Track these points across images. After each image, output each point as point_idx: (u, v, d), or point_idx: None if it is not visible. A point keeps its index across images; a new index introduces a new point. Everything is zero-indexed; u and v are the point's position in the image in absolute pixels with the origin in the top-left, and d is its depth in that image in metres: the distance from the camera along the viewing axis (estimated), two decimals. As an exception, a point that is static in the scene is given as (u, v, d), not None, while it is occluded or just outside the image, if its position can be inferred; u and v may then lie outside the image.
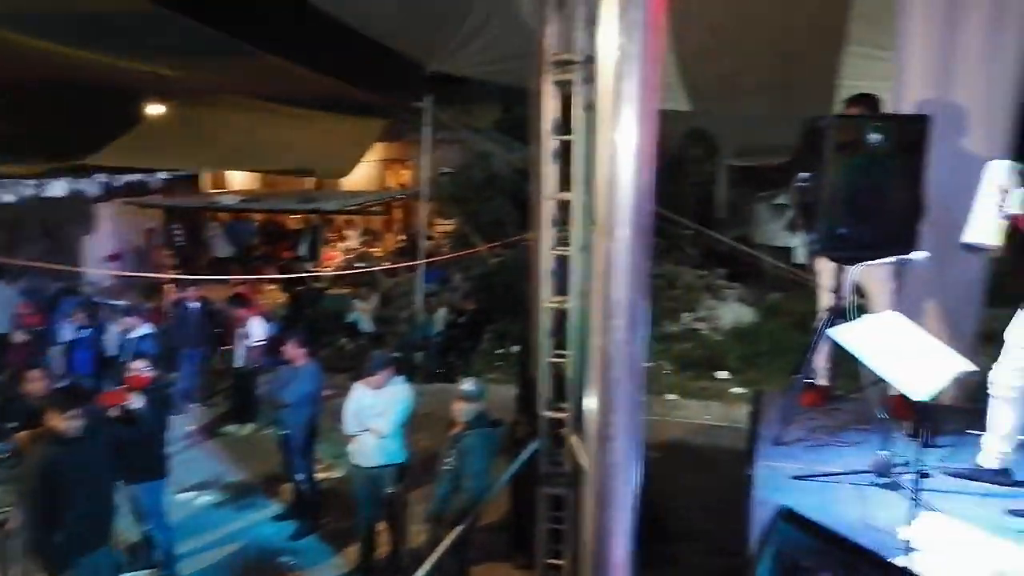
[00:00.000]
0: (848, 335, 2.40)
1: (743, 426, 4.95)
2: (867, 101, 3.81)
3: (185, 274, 9.64)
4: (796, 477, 3.38)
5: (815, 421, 4.04)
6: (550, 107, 4.08)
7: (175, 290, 8.79)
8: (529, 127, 4.32)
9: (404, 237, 13.72)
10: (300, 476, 5.79)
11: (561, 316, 4.39)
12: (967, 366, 2.38)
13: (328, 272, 11.86)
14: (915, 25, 3.78)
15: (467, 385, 4.78)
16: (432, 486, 4.97)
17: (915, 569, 2.52)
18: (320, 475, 6.32)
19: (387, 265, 11.64)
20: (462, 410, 4.70)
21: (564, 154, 4.19)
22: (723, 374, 9.54)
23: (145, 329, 7.16)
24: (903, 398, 3.86)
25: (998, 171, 2.93)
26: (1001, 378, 3.17)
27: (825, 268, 4.12)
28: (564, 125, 4.15)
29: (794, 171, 3.69)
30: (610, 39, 1.70)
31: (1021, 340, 3.09)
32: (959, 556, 2.63)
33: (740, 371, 9.36)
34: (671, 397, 9.13)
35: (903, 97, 3.84)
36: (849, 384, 4.31)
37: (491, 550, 5.29)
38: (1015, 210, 2.85)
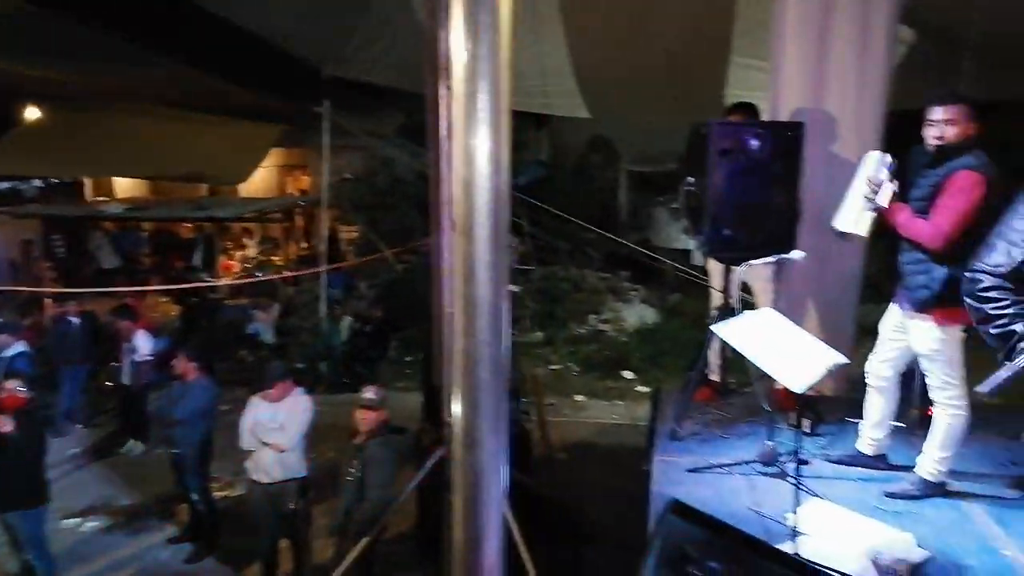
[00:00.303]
0: (730, 331, 2.51)
1: (647, 424, 5.09)
2: (746, 109, 4.01)
3: (67, 287, 9.05)
4: (691, 470, 3.50)
5: (709, 415, 4.20)
6: (444, 112, 4.07)
7: (54, 305, 8.23)
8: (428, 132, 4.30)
9: (306, 245, 13.37)
10: (195, 496, 5.53)
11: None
12: (839, 359, 2.53)
13: (223, 282, 11.40)
14: (789, 38, 4.00)
15: (368, 393, 4.70)
16: (337, 499, 4.85)
17: (800, 553, 2.65)
18: (218, 494, 6.06)
19: (288, 273, 11.31)
20: (364, 419, 4.61)
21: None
22: (628, 374, 9.78)
23: (19, 347, 6.66)
24: (787, 391, 4.08)
25: (870, 163, 3.11)
26: (873, 369, 3.39)
27: (715, 269, 4.30)
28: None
29: (682, 176, 3.83)
30: (458, 43, 1.69)
31: (891, 332, 3.31)
32: (840, 538, 2.79)
33: (644, 370, 9.62)
34: (579, 398, 9.28)
35: (780, 106, 4.06)
36: (742, 379, 4.51)
37: (398, 561, 5.21)
38: (883, 203, 3.03)
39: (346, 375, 8.81)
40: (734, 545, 2.02)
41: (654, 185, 11.97)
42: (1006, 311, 1.66)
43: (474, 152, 1.72)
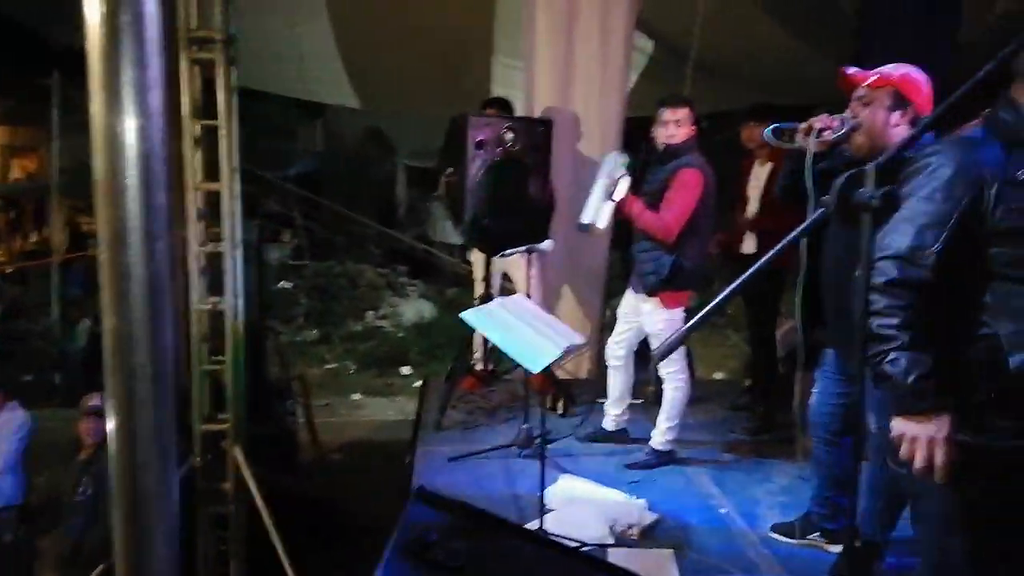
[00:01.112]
0: (477, 318, 2.56)
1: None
2: (500, 104, 4.14)
3: None
4: (452, 459, 3.54)
5: (473, 403, 4.29)
6: (188, 89, 3.73)
7: None
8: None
9: (37, 237, 11.66)
10: None
11: (216, 319, 4.05)
12: (576, 339, 2.68)
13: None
14: (539, 41, 4.20)
15: (94, 400, 4.17)
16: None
17: (547, 527, 2.78)
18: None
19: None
20: (89, 429, 4.09)
21: (210, 140, 3.87)
22: (406, 369, 9.74)
23: None
24: (544, 375, 4.29)
25: (612, 161, 3.35)
26: (610, 349, 3.66)
27: (477, 259, 4.39)
28: (208, 108, 3.82)
29: (442, 167, 3.86)
30: (93, 5, 1.44)
31: (625, 315, 3.60)
32: (584, 510, 2.97)
33: (422, 364, 9.64)
34: (356, 397, 9.07)
35: (533, 103, 4.25)
36: (507, 366, 4.66)
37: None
38: (619, 197, 3.28)
39: (84, 385, 7.79)
40: (478, 526, 2.04)
41: (431, 180, 12.04)
42: (893, 316, 1.48)
43: (121, 139, 1.50)
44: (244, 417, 3.99)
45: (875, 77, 2.24)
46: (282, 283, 10.69)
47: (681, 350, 3.48)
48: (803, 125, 2.25)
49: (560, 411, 4.15)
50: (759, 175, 3.86)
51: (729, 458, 3.70)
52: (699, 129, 3.39)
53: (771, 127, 2.32)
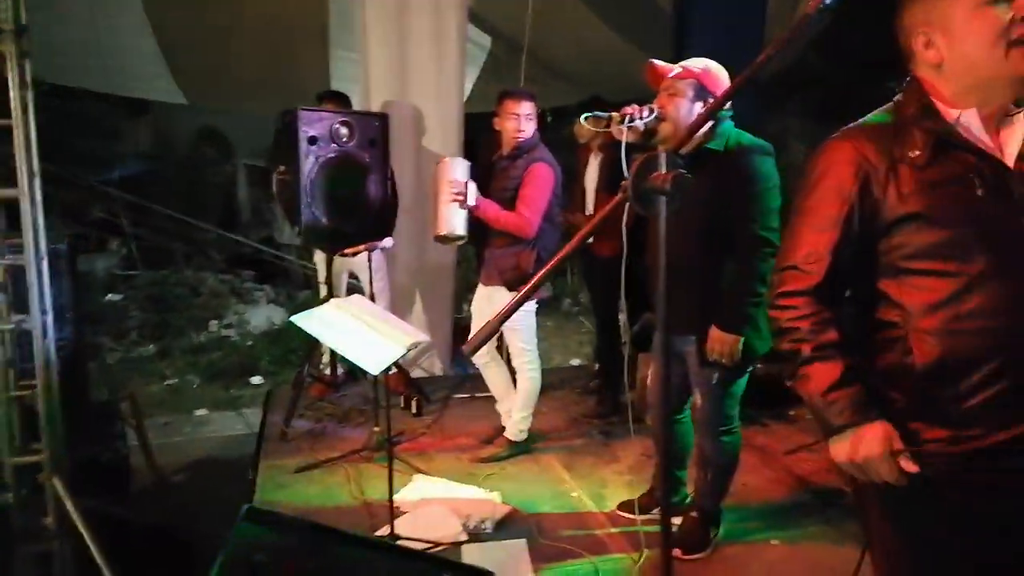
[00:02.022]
0: (311, 321, 2.45)
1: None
2: (337, 98, 4.01)
3: None
4: (299, 469, 3.39)
5: (323, 410, 4.14)
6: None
7: None
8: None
9: None
10: None
11: (24, 339, 3.63)
12: (422, 337, 2.63)
13: None
14: (372, 34, 4.09)
15: None
16: None
17: (400, 532, 2.72)
18: None
19: None
20: None
21: (4, 141, 3.45)
22: (257, 379, 9.26)
23: None
24: (397, 374, 4.21)
25: (453, 168, 3.29)
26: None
27: (320, 260, 4.23)
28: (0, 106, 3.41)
29: (274, 164, 3.67)
30: None
31: (481, 311, 3.58)
32: (437, 510, 2.93)
33: (274, 373, 9.20)
34: (201, 412, 8.50)
35: (371, 98, 4.14)
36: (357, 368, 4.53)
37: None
38: (472, 202, 3.24)
39: None
40: (313, 542, 1.94)
41: (271, 180, 11.51)
42: (791, 332, 1.34)
43: None
44: (63, 446, 3.60)
45: (679, 70, 2.38)
46: (110, 296, 9.84)
47: (534, 339, 3.51)
48: (615, 114, 2.33)
49: (414, 410, 4.09)
50: (594, 166, 3.98)
51: (580, 442, 3.80)
52: (542, 124, 3.45)
53: (585, 115, 2.39)
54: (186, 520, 4.96)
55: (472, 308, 3.69)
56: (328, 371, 4.30)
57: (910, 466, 1.27)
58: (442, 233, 3.26)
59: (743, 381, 2.61)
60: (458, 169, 3.25)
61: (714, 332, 2.42)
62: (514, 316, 3.30)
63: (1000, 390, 1.26)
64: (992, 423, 1.27)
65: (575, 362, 7.09)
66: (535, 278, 1.25)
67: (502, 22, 4.93)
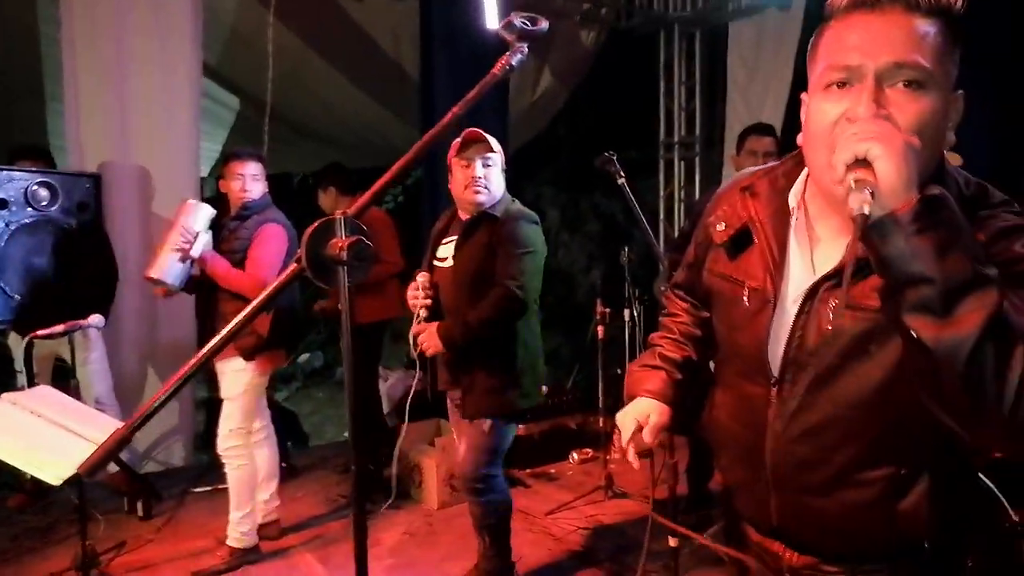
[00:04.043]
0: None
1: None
2: (35, 155, 3.49)
3: None
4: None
5: (23, 524, 3.44)
6: None
7: None
8: None
9: None
10: None
11: None
12: (102, 434, 2.20)
13: None
14: (86, 83, 3.64)
15: None
16: None
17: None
18: None
19: None
20: None
21: None
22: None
23: None
24: (120, 472, 3.64)
25: (191, 213, 2.95)
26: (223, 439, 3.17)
27: (15, 342, 3.58)
28: None
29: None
30: None
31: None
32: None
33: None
34: None
35: (85, 157, 3.66)
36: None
37: None
38: (197, 254, 2.90)
39: None
40: None
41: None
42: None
43: None
44: None
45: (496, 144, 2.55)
46: None
47: (254, 421, 3.16)
48: None
49: (141, 513, 3.53)
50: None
51: (337, 528, 3.50)
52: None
53: None
54: None
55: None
56: (30, 475, 3.60)
57: (633, 454, 1.26)
58: (153, 276, 2.90)
59: (508, 438, 2.60)
60: (196, 216, 2.94)
61: (433, 327, 2.49)
62: (241, 388, 3.01)
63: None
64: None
65: (346, 436, 6.74)
66: (198, 356, 1.05)
67: (248, 82, 4.67)
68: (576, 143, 6.91)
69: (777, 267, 1.10)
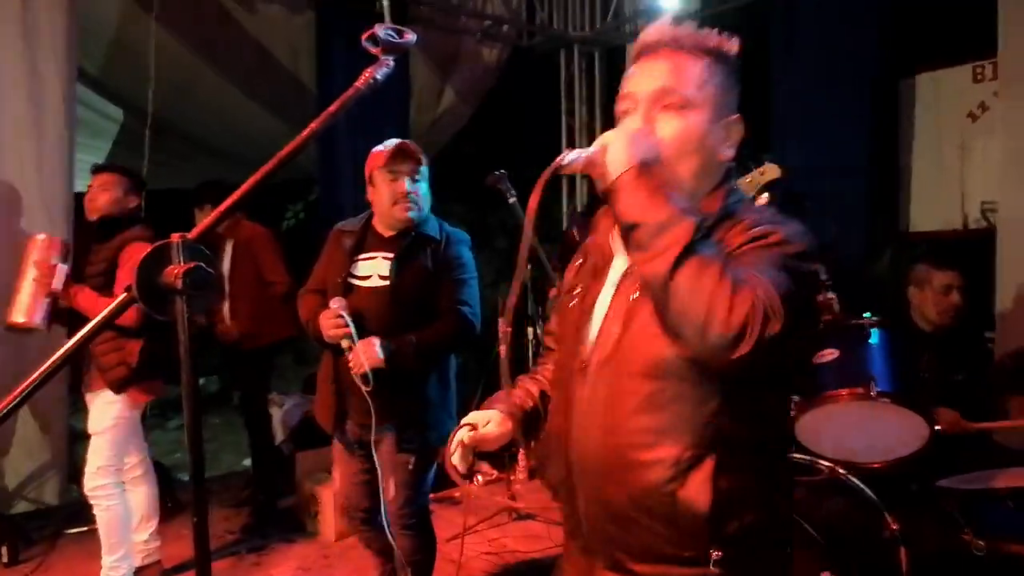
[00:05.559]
0: None
1: None
2: None
3: None
4: None
5: None
6: None
7: None
8: None
9: None
10: None
11: None
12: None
13: None
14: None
15: None
16: None
17: None
18: None
19: None
20: None
21: None
22: None
23: None
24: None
25: (38, 248, 2.73)
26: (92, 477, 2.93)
27: None
28: None
29: None
30: None
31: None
32: None
33: None
34: None
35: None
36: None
37: None
38: (59, 286, 2.70)
39: None
40: None
41: None
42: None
43: None
44: None
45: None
46: None
47: (141, 451, 2.96)
48: None
49: (6, 560, 3.23)
50: (227, 252, 3.71)
51: (226, 566, 3.30)
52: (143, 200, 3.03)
53: None
54: None
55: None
56: None
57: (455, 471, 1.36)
58: (18, 321, 2.67)
59: (433, 466, 2.48)
60: (49, 250, 2.72)
61: (373, 340, 2.25)
62: (110, 421, 2.80)
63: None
64: None
65: (248, 463, 6.41)
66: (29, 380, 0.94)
67: (132, 94, 4.39)
68: (482, 160, 6.89)
69: (606, 263, 1.24)
